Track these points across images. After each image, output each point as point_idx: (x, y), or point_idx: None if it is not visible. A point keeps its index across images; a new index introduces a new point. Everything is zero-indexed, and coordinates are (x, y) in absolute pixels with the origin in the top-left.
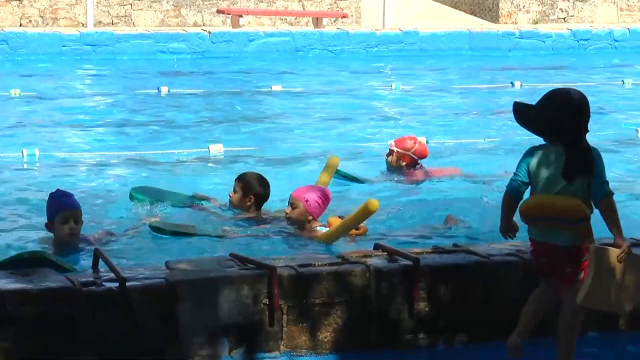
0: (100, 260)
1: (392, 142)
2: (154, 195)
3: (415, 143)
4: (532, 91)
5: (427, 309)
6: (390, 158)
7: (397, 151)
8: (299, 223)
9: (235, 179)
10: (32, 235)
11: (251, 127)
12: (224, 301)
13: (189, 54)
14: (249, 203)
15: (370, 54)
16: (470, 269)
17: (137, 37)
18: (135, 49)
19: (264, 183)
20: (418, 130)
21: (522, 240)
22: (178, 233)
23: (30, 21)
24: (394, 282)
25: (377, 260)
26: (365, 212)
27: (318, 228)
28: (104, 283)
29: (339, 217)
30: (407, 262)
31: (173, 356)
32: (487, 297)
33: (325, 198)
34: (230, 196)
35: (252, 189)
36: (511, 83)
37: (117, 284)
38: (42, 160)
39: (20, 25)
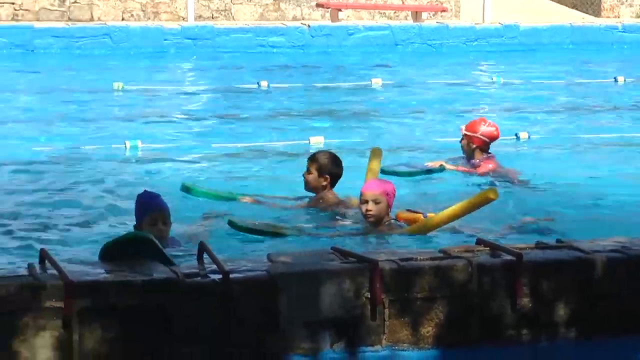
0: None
1: (462, 126)
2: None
3: (484, 125)
4: (635, 86)
5: (530, 305)
6: (462, 142)
7: (466, 134)
8: (379, 219)
9: (309, 159)
10: (132, 227)
11: (351, 121)
12: (325, 294)
13: (288, 48)
14: (324, 183)
15: (470, 48)
16: (573, 265)
17: (237, 31)
18: (235, 43)
19: (337, 162)
20: (518, 125)
21: (626, 237)
22: (254, 231)
23: (132, 15)
24: (496, 277)
25: (480, 256)
26: (484, 201)
27: (392, 222)
28: (207, 275)
29: (408, 210)
30: (509, 257)
31: (273, 349)
32: (590, 294)
33: (394, 192)
34: (305, 177)
35: (327, 169)
36: (614, 78)
37: (220, 276)
38: (145, 152)
39: (123, 19)
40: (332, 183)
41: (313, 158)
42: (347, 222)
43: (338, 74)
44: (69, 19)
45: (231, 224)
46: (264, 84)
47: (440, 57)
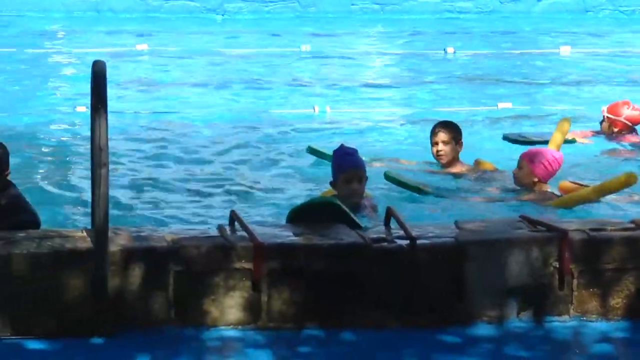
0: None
1: (604, 107)
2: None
3: (627, 108)
4: None
5: None
6: (603, 125)
7: (607, 117)
8: (525, 184)
9: (438, 132)
10: (316, 191)
11: (538, 88)
12: (513, 263)
13: (475, 14)
14: (459, 149)
15: None
16: None
17: None
18: (423, 8)
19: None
20: None
21: None
22: (407, 186)
23: None
24: None
25: None
26: (622, 184)
27: (549, 191)
28: (394, 241)
29: (572, 182)
30: None
31: (458, 316)
32: None
33: (554, 161)
34: (440, 150)
35: (459, 135)
36: None
37: (407, 242)
38: (333, 116)
39: None
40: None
41: (445, 128)
42: (492, 189)
43: (525, 41)
44: None
45: (386, 175)
46: (450, 49)
47: (632, 24)
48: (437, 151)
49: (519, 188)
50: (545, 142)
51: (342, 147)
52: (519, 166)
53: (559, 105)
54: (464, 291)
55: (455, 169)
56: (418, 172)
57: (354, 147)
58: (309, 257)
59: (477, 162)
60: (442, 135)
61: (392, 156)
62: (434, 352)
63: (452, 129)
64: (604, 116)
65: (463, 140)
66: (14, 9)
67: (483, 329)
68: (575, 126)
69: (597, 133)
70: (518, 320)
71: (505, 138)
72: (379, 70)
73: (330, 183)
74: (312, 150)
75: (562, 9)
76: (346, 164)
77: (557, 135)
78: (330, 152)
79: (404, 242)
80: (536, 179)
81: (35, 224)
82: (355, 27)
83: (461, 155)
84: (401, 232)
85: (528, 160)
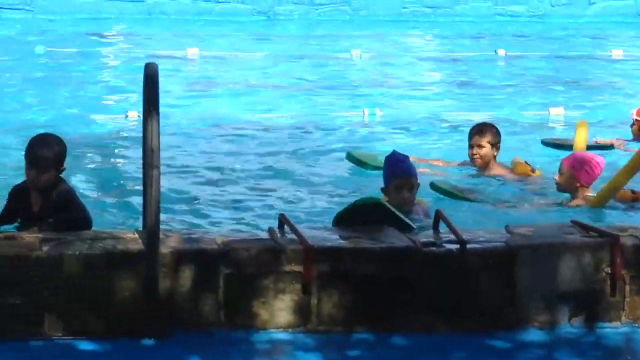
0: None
1: (634, 110)
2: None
3: None
4: None
5: None
6: (633, 128)
7: (637, 119)
8: (567, 190)
9: (475, 135)
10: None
11: (590, 92)
12: (564, 268)
13: (527, 17)
14: (495, 153)
15: None
16: None
17: (476, 0)
18: (474, 12)
19: (499, 131)
20: None
21: None
22: (454, 195)
23: None
24: None
25: None
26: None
27: (587, 195)
28: (444, 244)
29: (632, 191)
30: None
31: (509, 321)
32: None
33: (596, 166)
34: (476, 154)
35: (497, 139)
36: None
37: (457, 246)
38: (383, 120)
39: None
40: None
41: (483, 131)
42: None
43: (577, 44)
44: None
45: (432, 185)
46: (501, 52)
47: None
48: (473, 154)
49: (560, 193)
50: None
51: (394, 153)
52: (560, 172)
53: (611, 110)
54: (515, 296)
55: (492, 172)
56: (455, 175)
57: (404, 152)
58: (359, 261)
59: (514, 163)
60: (477, 138)
61: (435, 158)
62: (483, 357)
63: (489, 132)
64: (633, 119)
65: (509, 143)
66: (67, 12)
67: (533, 334)
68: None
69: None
70: (569, 326)
71: (543, 142)
72: (430, 74)
73: (382, 189)
74: (350, 157)
75: (614, 13)
76: (398, 171)
77: (578, 139)
78: (368, 160)
79: (454, 246)
80: (578, 184)
81: (87, 220)
82: (406, 30)
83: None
84: (451, 236)
85: (570, 165)
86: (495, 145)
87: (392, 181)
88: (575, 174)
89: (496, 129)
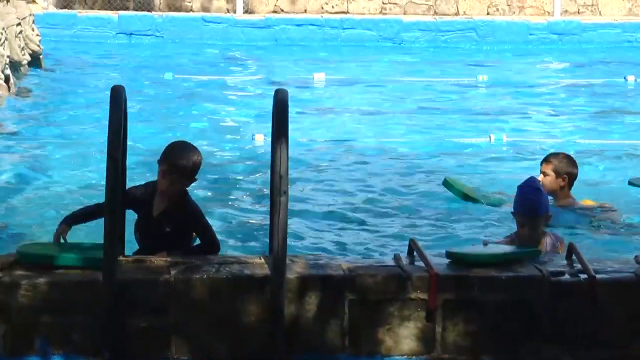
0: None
1: None
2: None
3: None
4: None
5: None
6: None
7: None
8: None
9: (542, 162)
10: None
11: None
12: None
13: None
14: (562, 183)
15: None
16: None
17: (605, 27)
18: (602, 38)
19: (573, 162)
20: None
21: None
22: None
23: (497, 9)
24: None
25: None
26: None
27: None
28: (571, 274)
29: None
30: None
31: (638, 353)
32: None
33: None
34: (540, 181)
35: (565, 169)
36: None
37: (585, 276)
38: (509, 145)
39: (488, 13)
40: (570, 184)
41: (547, 160)
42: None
43: None
44: (435, 13)
45: (445, 182)
46: (631, 78)
47: None
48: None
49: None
50: None
51: (525, 185)
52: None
53: None
54: None
55: (559, 203)
56: None
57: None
58: (485, 289)
59: (584, 201)
60: (543, 166)
61: None
62: None
63: (556, 162)
64: None
65: (578, 174)
66: (195, 38)
67: None
68: None
69: None
70: None
71: (631, 183)
72: (557, 100)
73: (512, 213)
74: (447, 184)
75: None
76: (518, 207)
77: None
78: (467, 192)
79: (583, 276)
80: None
81: (214, 244)
82: (533, 57)
83: None
84: (579, 266)
85: None
86: (562, 175)
87: (516, 216)
88: None
89: (568, 159)
